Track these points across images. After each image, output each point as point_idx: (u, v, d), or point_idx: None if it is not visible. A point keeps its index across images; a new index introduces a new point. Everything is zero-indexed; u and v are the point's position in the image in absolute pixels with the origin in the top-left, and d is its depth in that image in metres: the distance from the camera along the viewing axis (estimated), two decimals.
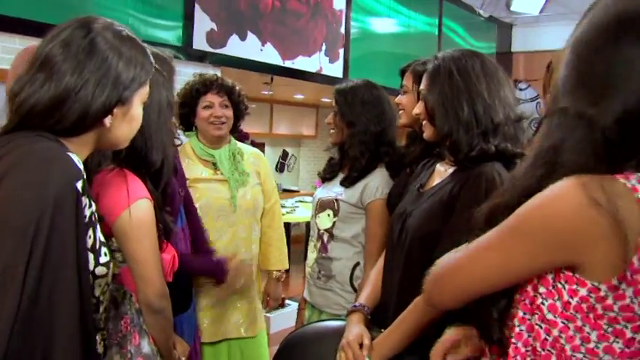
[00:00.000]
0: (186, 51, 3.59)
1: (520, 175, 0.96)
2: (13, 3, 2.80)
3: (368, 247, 2.08)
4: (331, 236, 2.15)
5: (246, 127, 2.77)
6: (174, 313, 1.53)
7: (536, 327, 0.92)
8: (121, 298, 1.40)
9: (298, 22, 4.41)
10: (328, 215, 2.16)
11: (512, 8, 5.96)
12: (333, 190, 2.19)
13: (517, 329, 0.95)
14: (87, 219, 1.08)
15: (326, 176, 2.30)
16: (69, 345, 1.01)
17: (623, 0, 0.87)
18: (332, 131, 2.22)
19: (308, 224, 2.56)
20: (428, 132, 1.55)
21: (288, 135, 8.74)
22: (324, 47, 4.66)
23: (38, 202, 0.98)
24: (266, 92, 6.38)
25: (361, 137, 2.10)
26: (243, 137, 2.80)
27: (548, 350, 0.90)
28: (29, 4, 2.84)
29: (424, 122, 1.55)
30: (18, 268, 0.94)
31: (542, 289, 0.90)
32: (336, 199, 2.14)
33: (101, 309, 1.21)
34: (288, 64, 4.35)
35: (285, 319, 4.34)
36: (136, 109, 1.22)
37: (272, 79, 5.28)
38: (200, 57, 3.67)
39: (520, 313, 0.94)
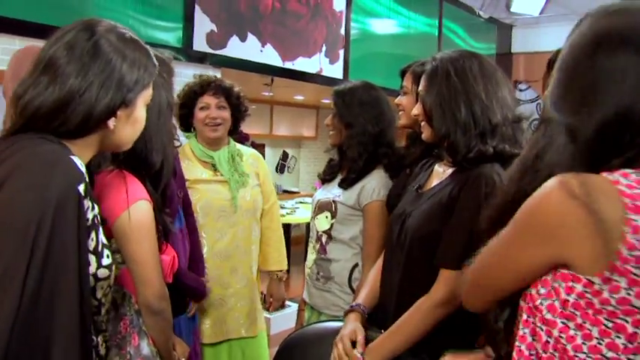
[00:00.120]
0: (187, 52, 3.59)
1: (508, 181, 1.03)
2: (13, 4, 2.80)
3: (366, 248, 2.08)
4: (330, 238, 2.16)
5: (246, 128, 2.77)
6: (172, 315, 1.53)
7: (538, 329, 0.93)
8: (121, 299, 1.40)
9: (298, 23, 4.41)
10: (326, 217, 2.16)
11: (512, 9, 5.96)
12: (332, 191, 2.19)
13: (521, 332, 0.96)
14: (89, 222, 1.09)
15: (326, 178, 2.30)
16: (69, 346, 1.01)
17: (598, 20, 0.94)
18: (331, 133, 2.22)
19: (308, 225, 2.56)
20: (426, 133, 1.55)
21: (289, 136, 8.74)
22: (324, 48, 4.66)
23: (40, 203, 0.98)
24: (266, 93, 6.39)
25: (359, 138, 2.10)
26: (243, 138, 2.80)
27: (550, 353, 0.91)
28: (29, 5, 2.84)
29: (422, 123, 1.55)
30: (19, 268, 0.95)
31: (542, 291, 0.92)
32: (334, 201, 2.14)
33: (103, 311, 1.22)
34: (288, 65, 4.35)
35: (285, 320, 4.34)
36: (140, 111, 1.23)
37: (272, 80, 5.28)
38: (200, 58, 3.67)
39: (524, 316, 0.96)
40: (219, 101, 2.31)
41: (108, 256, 1.15)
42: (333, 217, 2.14)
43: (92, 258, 1.11)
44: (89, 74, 1.11)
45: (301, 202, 6.87)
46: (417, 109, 1.57)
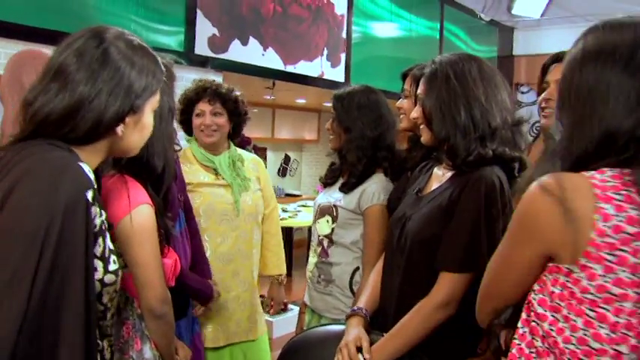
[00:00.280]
0: (188, 56, 3.60)
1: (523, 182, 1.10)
2: (15, 9, 2.80)
3: (366, 252, 2.08)
4: (331, 242, 2.16)
5: (248, 131, 2.77)
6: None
7: (533, 323, 0.97)
8: (123, 303, 1.41)
9: (300, 26, 4.42)
10: (327, 221, 2.16)
11: (513, 12, 5.97)
12: (333, 195, 2.19)
13: (520, 331, 1.00)
14: (97, 228, 1.10)
15: (327, 181, 2.30)
16: (74, 349, 1.02)
17: (594, 35, 1.00)
18: (331, 137, 2.22)
19: (310, 229, 2.57)
20: (425, 136, 1.55)
21: (290, 139, 8.75)
22: (325, 52, 4.67)
23: (49, 208, 0.99)
24: (268, 97, 6.39)
25: (358, 142, 2.09)
26: (245, 142, 2.80)
27: (545, 347, 0.95)
28: (31, 10, 2.85)
29: (422, 126, 1.55)
30: (27, 272, 0.96)
31: (536, 287, 0.99)
32: (335, 205, 2.14)
33: (108, 316, 1.22)
34: (289, 68, 4.36)
35: (287, 324, 4.33)
36: (147, 118, 1.24)
37: (274, 83, 5.30)
38: (202, 62, 3.68)
39: (524, 315, 1.00)
40: (213, 108, 2.30)
41: (115, 262, 1.16)
42: (334, 221, 2.14)
43: (99, 264, 1.12)
44: (98, 81, 1.12)
45: (303, 206, 6.87)
46: (416, 113, 1.57)
